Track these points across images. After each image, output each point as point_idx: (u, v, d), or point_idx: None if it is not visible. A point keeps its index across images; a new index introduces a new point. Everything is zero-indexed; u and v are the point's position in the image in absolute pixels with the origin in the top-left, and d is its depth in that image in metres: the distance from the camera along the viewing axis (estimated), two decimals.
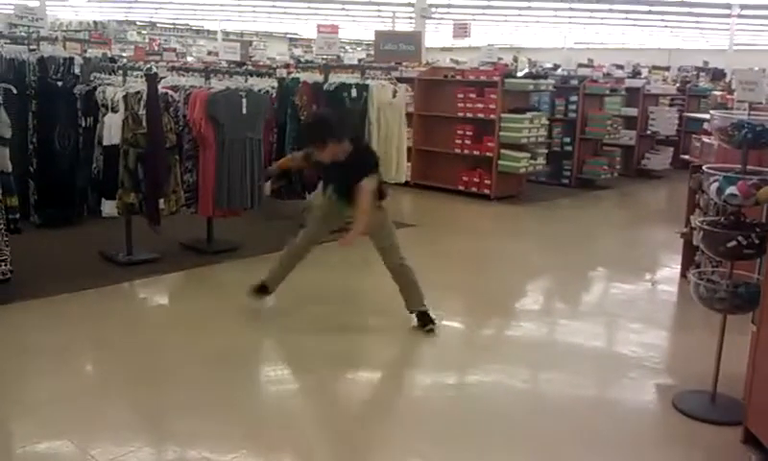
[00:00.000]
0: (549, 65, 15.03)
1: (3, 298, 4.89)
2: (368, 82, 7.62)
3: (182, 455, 3.33)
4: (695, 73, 16.95)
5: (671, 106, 12.67)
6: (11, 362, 4.11)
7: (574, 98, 10.62)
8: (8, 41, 8.47)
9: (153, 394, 3.84)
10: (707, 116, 6.10)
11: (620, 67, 14.62)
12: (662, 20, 27.63)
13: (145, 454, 3.26)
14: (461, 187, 9.71)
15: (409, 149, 8.53)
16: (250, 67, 9.70)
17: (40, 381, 3.93)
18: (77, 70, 6.94)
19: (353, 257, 5.61)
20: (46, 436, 3.38)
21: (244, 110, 6.14)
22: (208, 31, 32.94)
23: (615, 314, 5.49)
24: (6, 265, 4.83)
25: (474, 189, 9.61)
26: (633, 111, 11.86)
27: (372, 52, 13.59)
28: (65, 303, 5.08)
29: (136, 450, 3.24)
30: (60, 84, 6.80)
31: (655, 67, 16.43)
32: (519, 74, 10.65)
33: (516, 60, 15.75)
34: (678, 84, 14.11)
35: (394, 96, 7.70)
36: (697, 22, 27.99)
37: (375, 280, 5.97)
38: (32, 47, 7.33)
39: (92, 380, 4.18)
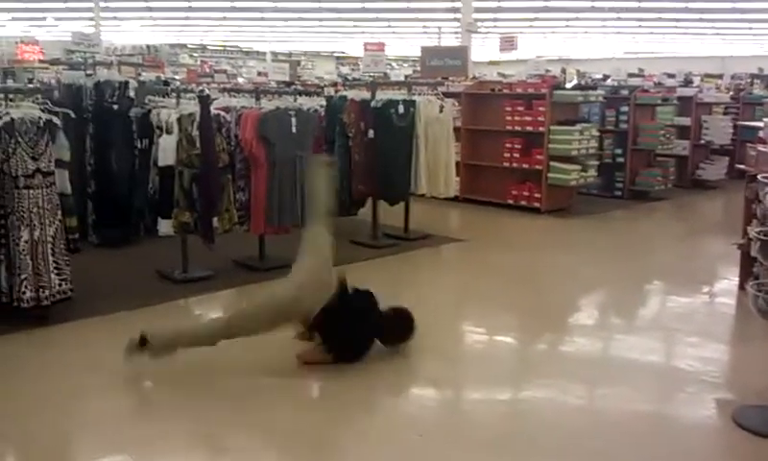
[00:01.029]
0: (598, 76, 14.90)
1: (64, 316, 5.04)
2: (414, 97, 7.66)
3: None
4: (749, 80, 16.56)
5: (725, 114, 12.39)
6: (71, 378, 4.23)
7: (625, 108, 10.48)
8: (66, 67, 8.78)
9: (210, 410, 3.89)
10: (761, 124, 5.97)
11: (671, 76, 14.39)
12: (714, 27, 27.13)
13: None
14: (510, 201, 9.64)
15: (457, 163, 8.53)
16: (298, 87, 9.84)
17: (100, 397, 4.02)
18: (132, 93, 7.13)
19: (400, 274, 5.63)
20: (107, 452, 3.46)
21: (294, 129, 6.23)
22: (258, 52, 33.48)
23: (672, 328, 5.38)
24: (66, 284, 4.98)
25: (524, 203, 9.53)
26: (686, 121, 11.63)
27: (419, 68, 13.65)
28: (124, 321, 5.19)
29: None
30: (115, 107, 6.99)
31: (707, 75, 16.11)
32: (568, 85, 10.57)
33: (564, 71, 15.65)
34: (731, 92, 13.82)
35: (441, 111, 7.73)
36: (750, 28, 27.40)
37: (422, 295, 5.97)
38: (88, 72, 7.57)
39: (151, 397, 4.27)
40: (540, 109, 9.27)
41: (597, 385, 4.35)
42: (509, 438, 3.62)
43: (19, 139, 4.74)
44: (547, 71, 11.94)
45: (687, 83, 13.66)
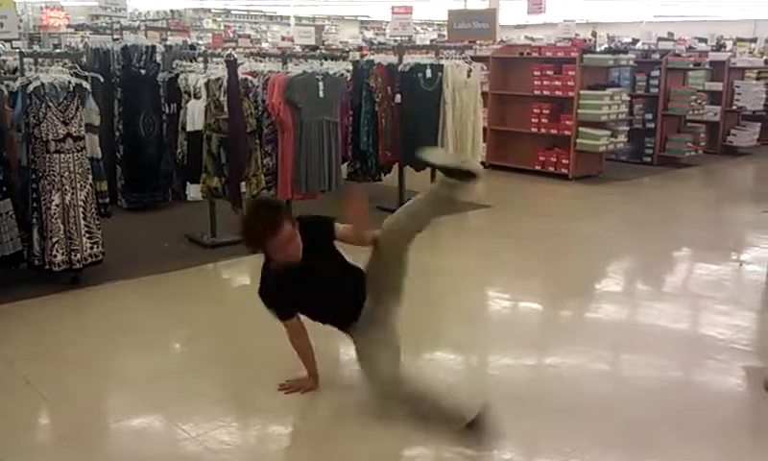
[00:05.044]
0: (628, 40, 14.65)
1: (95, 279, 5.11)
2: (442, 62, 7.58)
3: (271, 430, 3.42)
4: None
5: (758, 79, 12.12)
6: (104, 340, 4.29)
7: (656, 73, 10.30)
8: (92, 32, 8.79)
9: (239, 371, 3.95)
10: None
11: (703, 41, 14.11)
12: None
13: (234, 429, 3.37)
14: (537, 167, 9.56)
15: (484, 129, 8.45)
16: (323, 51, 9.78)
17: (132, 358, 4.09)
18: (159, 58, 7.14)
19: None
20: (139, 411, 3.51)
21: (321, 94, 6.20)
22: (281, 16, 33.25)
23: (702, 295, 5.33)
24: (98, 247, 5.04)
25: (552, 169, 9.44)
26: (717, 86, 11.41)
27: (444, 32, 13.48)
28: (154, 284, 5.26)
29: (226, 425, 3.35)
30: (143, 72, 7.01)
31: (740, 39, 15.78)
32: (598, 49, 10.40)
33: (594, 34, 15.41)
34: (765, 57, 13.50)
35: (468, 75, 7.63)
36: None
37: (447, 260, 5.97)
38: (115, 37, 7.58)
39: (181, 358, 4.32)
40: (570, 73, 9.14)
41: (625, 352, 4.33)
42: (534, 403, 3.62)
43: (49, 104, 4.77)
44: (576, 35, 11.73)
45: (719, 47, 13.38)
